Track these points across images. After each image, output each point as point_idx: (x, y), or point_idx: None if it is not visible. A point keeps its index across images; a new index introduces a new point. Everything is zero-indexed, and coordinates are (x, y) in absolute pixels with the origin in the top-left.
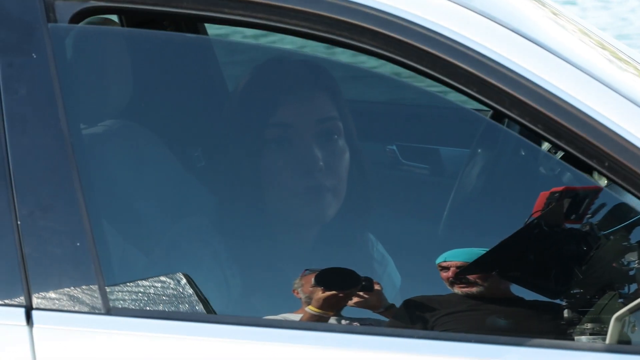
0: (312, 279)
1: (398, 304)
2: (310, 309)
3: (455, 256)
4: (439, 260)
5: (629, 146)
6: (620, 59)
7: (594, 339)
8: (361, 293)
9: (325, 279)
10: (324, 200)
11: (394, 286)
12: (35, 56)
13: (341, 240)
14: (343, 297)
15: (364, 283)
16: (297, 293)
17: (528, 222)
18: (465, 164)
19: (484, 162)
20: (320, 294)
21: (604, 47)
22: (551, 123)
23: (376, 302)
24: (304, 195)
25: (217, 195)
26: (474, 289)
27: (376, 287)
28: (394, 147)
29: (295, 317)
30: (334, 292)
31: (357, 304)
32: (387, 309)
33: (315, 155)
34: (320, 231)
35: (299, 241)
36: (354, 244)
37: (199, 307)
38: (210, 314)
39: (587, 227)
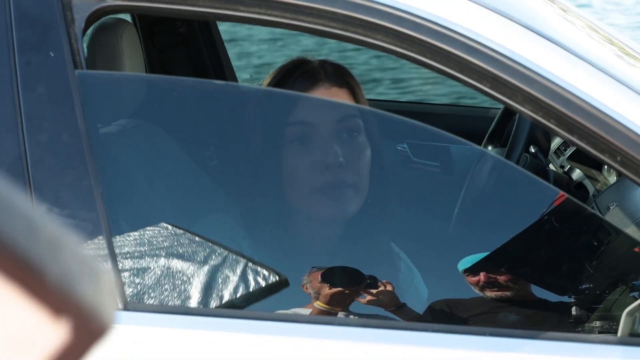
0: (319, 276)
1: (423, 313)
2: (319, 304)
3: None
4: (462, 265)
5: None
6: (628, 54)
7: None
8: (369, 290)
9: (330, 276)
10: (344, 196)
11: (421, 298)
12: (52, 55)
13: (366, 246)
14: (349, 294)
15: (368, 281)
16: (306, 289)
17: (539, 218)
18: (477, 161)
19: (494, 160)
20: (327, 290)
21: (612, 43)
22: (564, 118)
23: (388, 300)
24: (324, 191)
25: (240, 193)
26: (491, 290)
27: (387, 287)
28: (405, 146)
29: (306, 311)
30: (340, 289)
31: (368, 302)
32: (399, 307)
33: (335, 152)
34: (345, 230)
35: (322, 238)
36: (380, 256)
37: (219, 302)
38: (230, 309)
39: (599, 221)
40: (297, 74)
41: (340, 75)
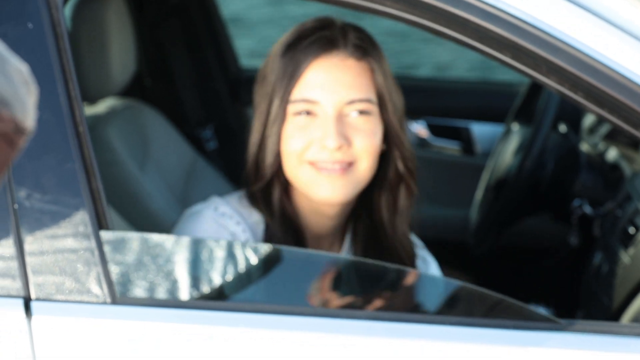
0: (327, 281)
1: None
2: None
3: None
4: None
5: None
6: None
7: None
8: (380, 294)
9: (338, 280)
10: (335, 173)
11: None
12: (31, 26)
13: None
14: (358, 298)
15: (378, 285)
16: (313, 297)
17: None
18: (499, 141)
19: (520, 139)
20: (335, 297)
21: None
22: (593, 90)
23: (401, 303)
24: (316, 165)
25: (234, 175)
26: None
27: (404, 282)
28: (424, 124)
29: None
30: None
31: (379, 307)
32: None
33: (333, 132)
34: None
35: (319, 220)
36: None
37: (216, 294)
38: (223, 301)
39: (633, 209)
40: (312, 38)
41: (361, 46)
